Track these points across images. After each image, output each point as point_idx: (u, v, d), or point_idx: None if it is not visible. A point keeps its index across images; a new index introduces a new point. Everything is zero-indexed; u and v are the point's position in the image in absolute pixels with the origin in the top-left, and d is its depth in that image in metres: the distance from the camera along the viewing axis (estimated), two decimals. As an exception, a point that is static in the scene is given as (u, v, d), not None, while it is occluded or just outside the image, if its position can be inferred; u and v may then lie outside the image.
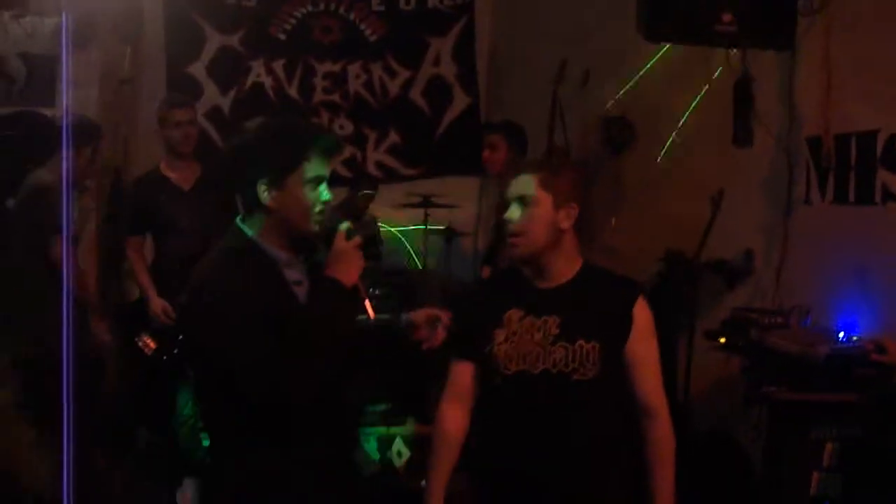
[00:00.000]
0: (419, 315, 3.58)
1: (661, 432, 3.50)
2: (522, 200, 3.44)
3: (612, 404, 3.49)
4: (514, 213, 3.46)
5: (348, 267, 3.23)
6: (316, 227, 3.27)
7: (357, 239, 3.26)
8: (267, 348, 3.06)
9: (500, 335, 3.45)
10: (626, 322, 3.44)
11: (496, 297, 3.54)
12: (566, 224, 3.45)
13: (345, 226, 3.28)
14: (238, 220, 3.32)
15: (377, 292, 6.68)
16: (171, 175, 6.21)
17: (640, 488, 3.53)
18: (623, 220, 6.88)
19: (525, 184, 3.46)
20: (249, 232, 3.28)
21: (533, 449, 3.42)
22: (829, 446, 4.71)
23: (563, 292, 3.46)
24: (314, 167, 3.23)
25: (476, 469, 3.66)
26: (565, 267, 3.50)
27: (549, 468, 3.40)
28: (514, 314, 3.46)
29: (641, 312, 3.47)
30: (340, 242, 3.24)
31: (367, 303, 3.35)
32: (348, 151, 8.15)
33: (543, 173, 3.47)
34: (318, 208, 3.25)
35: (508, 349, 3.42)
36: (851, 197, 5.40)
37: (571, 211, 3.46)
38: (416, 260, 8.23)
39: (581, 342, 3.37)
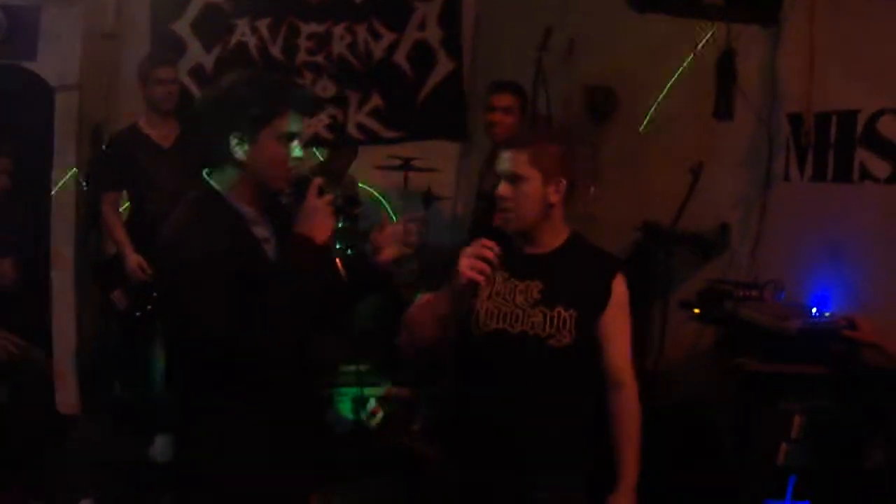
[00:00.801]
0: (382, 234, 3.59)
1: (628, 404, 3.60)
2: (512, 178, 3.51)
3: (583, 373, 3.58)
4: (504, 189, 3.52)
5: (320, 224, 3.23)
6: (286, 184, 3.29)
7: (329, 196, 3.26)
8: (232, 303, 3.06)
9: (485, 292, 3.53)
10: (605, 294, 3.55)
11: None
12: (555, 198, 3.54)
13: (317, 182, 3.28)
14: (205, 173, 3.31)
15: (352, 253, 6.69)
16: (151, 132, 6.21)
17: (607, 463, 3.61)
18: (602, 189, 6.89)
19: (514, 161, 3.52)
20: (217, 186, 3.28)
21: (503, 406, 3.49)
22: (797, 418, 4.78)
23: (548, 259, 3.57)
24: (289, 122, 3.23)
25: (449, 423, 3.72)
26: (552, 236, 3.61)
27: (517, 427, 3.49)
28: (500, 275, 3.54)
29: (619, 287, 3.59)
30: (312, 199, 3.24)
31: (337, 261, 3.38)
32: (329, 113, 8.11)
33: (532, 150, 3.53)
34: (289, 164, 3.25)
35: (490, 307, 3.53)
36: (830, 175, 5.44)
37: (560, 185, 3.54)
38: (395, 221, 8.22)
39: (560, 309, 3.48)
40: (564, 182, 3.54)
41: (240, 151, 3.20)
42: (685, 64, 6.35)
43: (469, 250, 3.38)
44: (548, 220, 3.57)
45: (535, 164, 3.50)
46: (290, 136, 3.24)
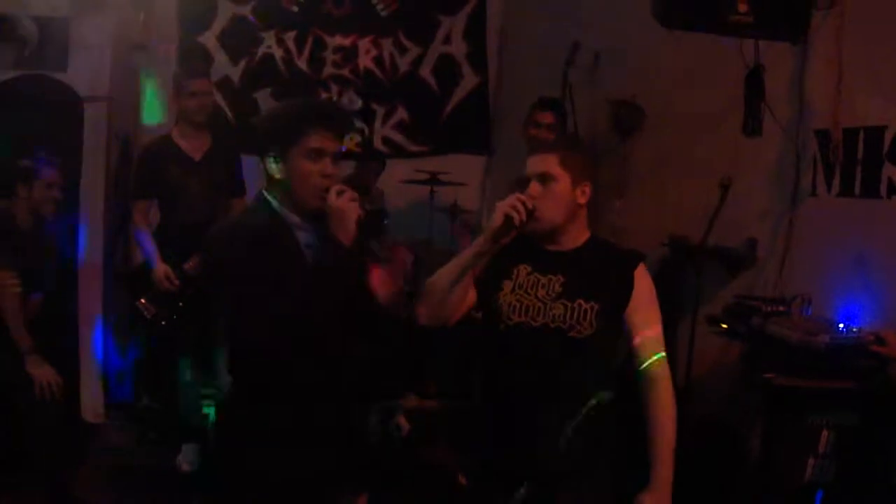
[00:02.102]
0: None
1: (662, 397, 3.60)
2: (543, 178, 3.57)
3: (603, 365, 3.60)
4: (535, 188, 3.58)
5: (341, 222, 3.34)
6: (318, 200, 3.38)
7: (347, 192, 3.36)
8: (265, 302, 3.22)
9: (508, 286, 3.59)
10: (627, 286, 3.59)
11: (507, 252, 3.62)
12: (582, 200, 3.63)
13: (336, 186, 3.39)
14: (264, 189, 3.50)
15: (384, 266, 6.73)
16: (182, 143, 6.24)
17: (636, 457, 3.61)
18: (629, 203, 6.90)
19: (546, 162, 3.60)
20: (270, 199, 3.45)
21: (526, 397, 3.52)
22: (824, 433, 4.78)
23: (570, 256, 3.63)
24: (314, 140, 3.36)
25: (468, 428, 3.74)
26: (575, 236, 3.67)
27: (539, 417, 3.51)
28: (522, 269, 3.62)
29: (642, 279, 3.62)
30: (331, 200, 3.35)
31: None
32: (356, 127, 8.16)
33: (563, 152, 3.63)
34: (318, 181, 3.36)
35: (513, 300, 3.57)
36: (857, 190, 5.43)
37: (586, 188, 3.62)
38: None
39: (580, 301, 3.52)
40: (590, 185, 3.63)
41: (275, 169, 3.40)
42: (713, 80, 6.36)
43: (506, 200, 3.49)
44: (573, 222, 3.63)
45: (565, 166, 3.58)
46: (318, 153, 3.37)
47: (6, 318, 5.44)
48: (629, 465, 3.62)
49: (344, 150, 3.48)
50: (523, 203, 3.46)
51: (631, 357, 3.63)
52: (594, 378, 3.55)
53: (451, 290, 3.54)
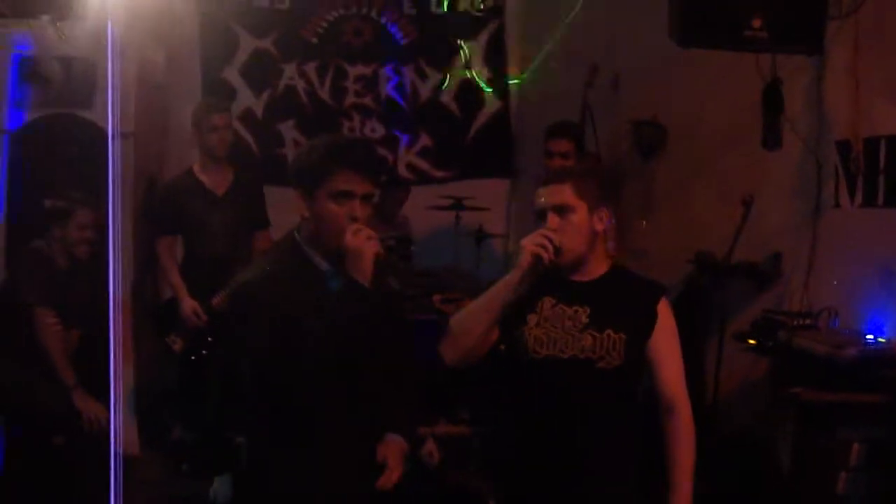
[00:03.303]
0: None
1: (683, 426, 3.58)
2: (560, 209, 3.54)
3: (631, 395, 3.62)
4: (553, 220, 3.55)
5: (358, 262, 3.28)
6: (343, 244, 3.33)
7: (364, 230, 3.31)
8: (291, 353, 3.22)
9: (533, 319, 3.56)
10: (651, 318, 3.57)
11: (530, 285, 3.60)
12: (600, 227, 3.59)
13: (354, 226, 3.33)
14: (296, 229, 3.48)
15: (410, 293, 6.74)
16: (205, 179, 6.28)
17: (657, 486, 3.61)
18: (653, 222, 6.90)
19: (561, 192, 3.56)
20: (299, 240, 3.44)
21: (557, 432, 3.51)
22: (855, 446, 4.75)
23: (594, 286, 3.59)
24: (341, 181, 3.31)
25: (498, 454, 3.74)
26: (597, 265, 3.63)
27: (570, 453, 3.50)
28: (547, 301, 3.57)
29: (664, 311, 3.61)
30: (348, 239, 3.29)
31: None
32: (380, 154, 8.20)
33: (576, 180, 3.58)
34: (344, 223, 3.31)
35: (539, 334, 3.54)
36: (880, 200, 5.42)
37: (603, 214, 3.59)
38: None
39: (609, 332, 3.50)
40: (607, 209, 3.61)
41: (304, 208, 3.37)
42: (732, 96, 6.36)
43: (531, 236, 3.48)
44: (593, 250, 3.60)
45: (579, 194, 3.55)
46: (345, 195, 3.32)
47: (50, 354, 5.52)
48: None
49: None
50: (549, 240, 3.45)
51: (652, 386, 3.62)
52: (621, 409, 3.58)
53: (482, 335, 3.54)
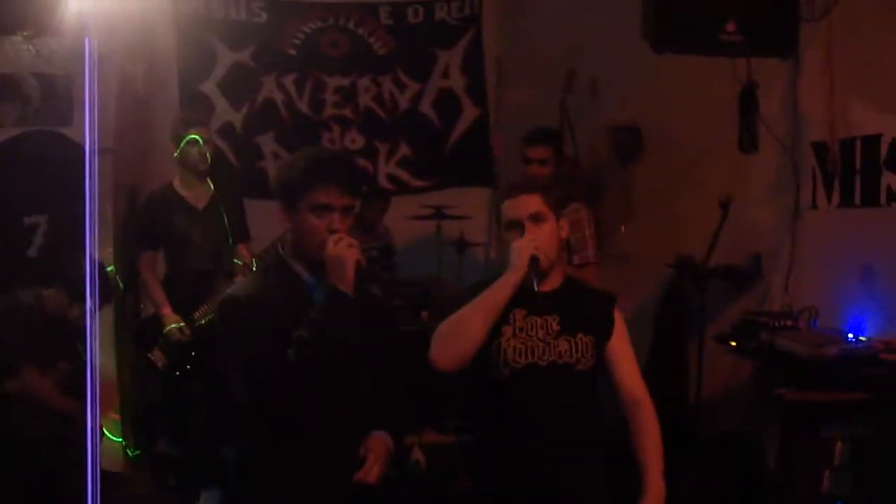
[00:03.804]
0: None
1: (650, 418, 3.74)
2: (536, 217, 3.66)
3: (597, 395, 3.77)
4: (531, 230, 3.65)
5: (340, 270, 3.32)
6: (323, 253, 3.37)
7: (345, 239, 3.35)
8: (271, 362, 3.26)
9: (508, 331, 3.64)
10: (609, 322, 3.75)
11: None
12: (564, 235, 3.78)
13: (333, 236, 3.37)
14: (279, 240, 3.58)
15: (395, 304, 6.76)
16: (185, 193, 6.24)
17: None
18: (633, 227, 6.93)
19: (533, 202, 3.69)
20: (283, 253, 3.50)
21: (538, 436, 3.60)
22: (839, 445, 4.78)
23: (558, 294, 3.72)
24: (321, 195, 3.36)
25: (479, 464, 3.80)
26: (556, 274, 3.77)
27: (555, 456, 3.60)
28: (518, 313, 3.66)
29: (618, 316, 3.79)
30: (329, 248, 3.34)
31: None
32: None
33: (542, 191, 3.75)
34: (324, 236, 3.35)
35: (516, 344, 3.63)
36: (857, 200, 5.46)
37: (563, 223, 3.77)
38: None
39: (581, 335, 3.65)
40: (565, 221, 3.80)
41: (286, 220, 3.44)
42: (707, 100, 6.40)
43: (523, 240, 3.60)
44: (559, 259, 3.77)
45: (548, 203, 3.70)
46: (324, 208, 3.36)
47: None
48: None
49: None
50: (535, 245, 3.58)
51: (615, 385, 3.77)
52: (594, 407, 3.74)
53: (482, 338, 3.59)
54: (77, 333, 5.85)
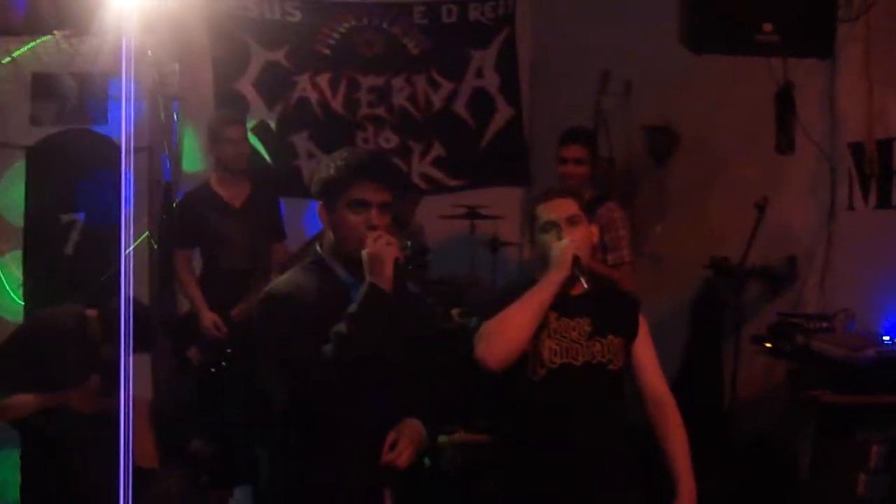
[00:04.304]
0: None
1: (676, 418, 3.83)
2: (572, 220, 3.74)
3: (624, 394, 3.86)
4: (570, 232, 3.73)
5: (378, 268, 3.34)
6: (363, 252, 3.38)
7: (383, 237, 3.37)
8: (308, 363, 3.28)
9: (543, 333, 3.69)
10: (635, 323, 3.87)
11: None
12: (595, 239, 3.90)
13: (373, 234, 3.40)
14: (318, 240, 3.63)
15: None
16: (222, 192, 6.28)
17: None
18: (668, 228, 6.91)
19: (569, 205, 3.78)
20: (321, 252, 3.54)
21: (575, 440, 3.67)
22: (875, 448, 4.76)
23: (588, 297, 3.76)
24: (358, 191, 3.40)
25: (510, 467, 3.80)
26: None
27: (591, 455, 3.68)
28: (551, 315, 3.71)
29: (643, 318, 3.91)
30: (368, 245, 3.36)
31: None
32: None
33: (575, 196, 3.87)
34: (362, 232, 3.38)
35: (552, 345, 3.69)
36: (894, 202, 5.43)
37: (594, 229, 3.89)
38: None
39: (611, 336, 3.75)
40: (596, 227, 3.93)
41: (325, 218, 3.47)
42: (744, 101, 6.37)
43: (565, 241, 3.66)
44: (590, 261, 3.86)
45: (580, 205, 3.81)
46: (362, 204, 3.40)
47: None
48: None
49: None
50: (576, 245, 3.67)
51: (640, 386, 3.87)
52: (622, 405, 3.81)
53: (530, 336, 3.64)
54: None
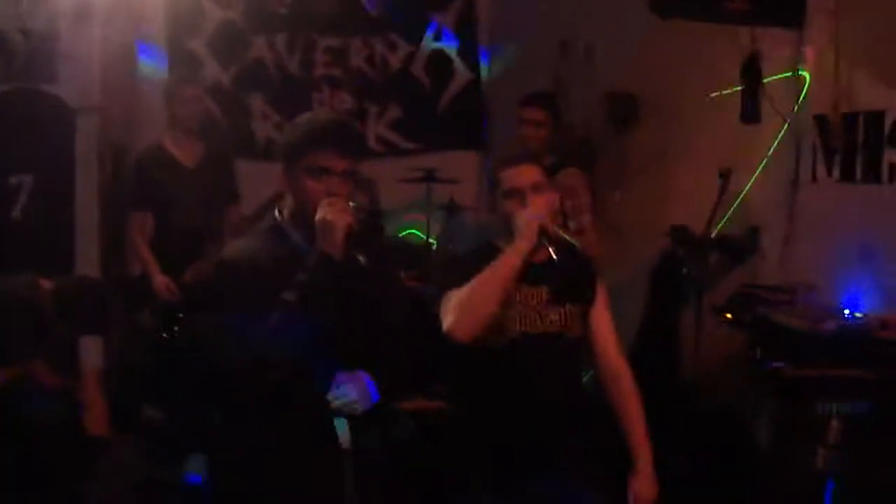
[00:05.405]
0: None
1: (631, 388, 3.82)
2: (536, 187, 3.68)
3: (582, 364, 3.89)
4: (534, 199, 3.66)
5: (329, 234, 3.26)
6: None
7: (339, 202, 3.29)
8: (261, 330, 3.20)
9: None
10: (592, 291, 3.84)
11: None
12: (557, 206, 3.82)
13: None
14: (277, 206, 3.52)
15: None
16: (175, 151, 6.19)
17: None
18: (628, 196, 6.88)
19: (533, 172, 3.72)
20: (278, 215, 3.47)
21: (534, 409, 3.65)
22: (834, 422, 4.75)
23: (546, 266, 3.69)
24: (320, 158, 3.32)
25: (465, 435, 3.78)
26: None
27: (551, 425, 3.67)
28: None
29: (601, 285, 3.88)
30: (321, 211, 3.28)
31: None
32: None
33: (536, 162, 3.80)
34: (323, 199, 3.29)
35: (512, 313, 3.65)
36: (858, 175, 5.43)
37: (556, 194, 3.82)
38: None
39: (569, 305, 3.72)
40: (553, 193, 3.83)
41: (286, 183, 3.41)
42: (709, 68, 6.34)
43: (529, 209, 3.60)
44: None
45: (543, 172, 3.75)
46: (322, 171, 3.32)
47: None
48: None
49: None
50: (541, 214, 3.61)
51: (594, 355, 3.86)
52: (580, 376, 3.85)
53: (499, 306, 3.58)
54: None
